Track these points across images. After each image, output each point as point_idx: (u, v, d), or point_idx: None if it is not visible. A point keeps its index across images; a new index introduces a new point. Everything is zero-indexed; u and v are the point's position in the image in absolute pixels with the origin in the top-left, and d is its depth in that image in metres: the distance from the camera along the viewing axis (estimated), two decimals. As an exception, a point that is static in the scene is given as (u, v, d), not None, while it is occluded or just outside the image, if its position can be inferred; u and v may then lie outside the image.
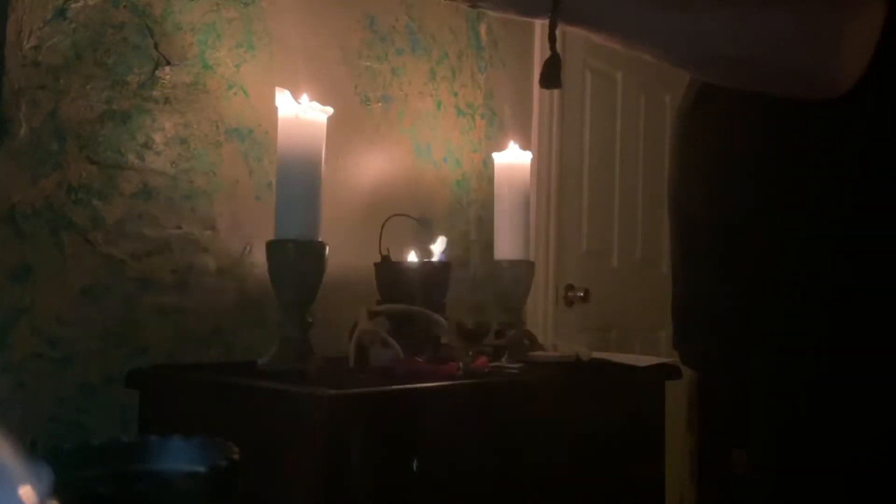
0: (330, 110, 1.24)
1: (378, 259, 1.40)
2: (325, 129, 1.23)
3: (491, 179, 1.72)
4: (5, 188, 1.12)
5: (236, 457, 0.81)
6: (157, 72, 1.29)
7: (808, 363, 0.83)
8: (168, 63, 1.31)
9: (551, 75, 0.87)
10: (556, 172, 2.15)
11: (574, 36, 2.18)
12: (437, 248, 1.43)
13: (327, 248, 1.22)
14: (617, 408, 1.40)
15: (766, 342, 0.86)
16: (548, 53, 0.86)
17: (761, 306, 0.86)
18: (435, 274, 1.38)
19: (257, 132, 1.43)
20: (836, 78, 0.75)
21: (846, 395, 0.82)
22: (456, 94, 1.85)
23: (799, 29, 0.74)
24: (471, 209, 1.88)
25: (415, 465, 0.99)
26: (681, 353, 0.98)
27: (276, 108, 1.21)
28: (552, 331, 2.10)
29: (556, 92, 2.12)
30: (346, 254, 1.53)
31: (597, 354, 1.48)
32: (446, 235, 1.46)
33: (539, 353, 1.44)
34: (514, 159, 1.61)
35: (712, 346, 0.93)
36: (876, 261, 0.80)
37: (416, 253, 1.44)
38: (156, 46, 1.29)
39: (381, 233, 1.45)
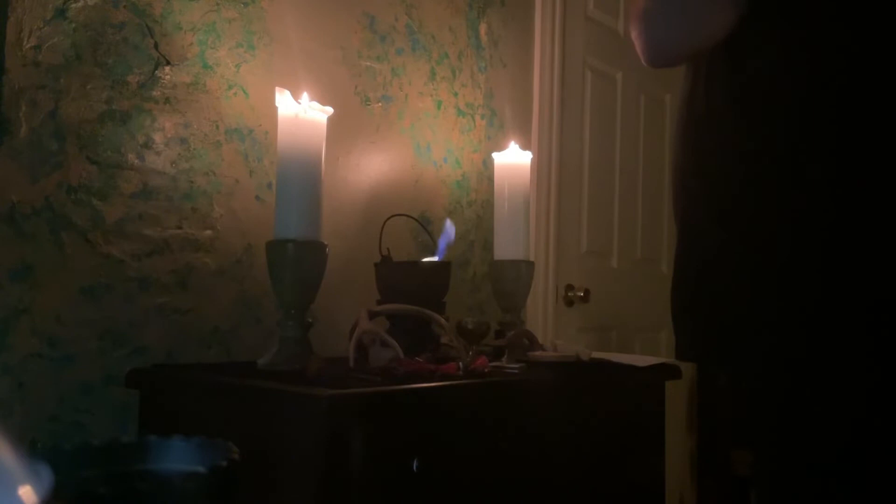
0: (330, 110, 1.24)
1: (378, 259, 1.40)
2: (325, 129, 1.23)
3: (491, 179, 1.72)
4: (5, 188, 1.12)
5: (236, 457, 0.81)
6: (157, 72, 1.29)
7: (809, 360, 0.83)
8: (168, 63, 1.31)
9: None
10: (556, 172, 2.15)
11: (574, 36, 2.18)
12: (447, 233, 1.41)
13: (327, 248, 1.22)
14: (617, 408, 1.40)
15: (764, 341, 0.86)
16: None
17: (759, 304, 0.86)
18: (435, 274, 1.38)
19: (257, 132, 1.43)
20: None
21: (848, 392, 0.82)
22: (456, 94, 1.85)
23: None
24: (471, 209, 1.88)
25: (415, 465, 0.99)
26: (678, 351, 0.99)
27: (276, 108, 1.21)
28: (552, 331, 2.10)
29: (556, 92, 2.12)
30: (346, 254, 1.53)
31: (597, 354, 1.48)
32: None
33: (539, 353, 1.43)
34: (514, 159, 1.61)
35: (712, 346, 0.93)
36: (871, 256, 0.80)
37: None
38: (156, 46, 1.29)
39: (381, 233, 1.45)
